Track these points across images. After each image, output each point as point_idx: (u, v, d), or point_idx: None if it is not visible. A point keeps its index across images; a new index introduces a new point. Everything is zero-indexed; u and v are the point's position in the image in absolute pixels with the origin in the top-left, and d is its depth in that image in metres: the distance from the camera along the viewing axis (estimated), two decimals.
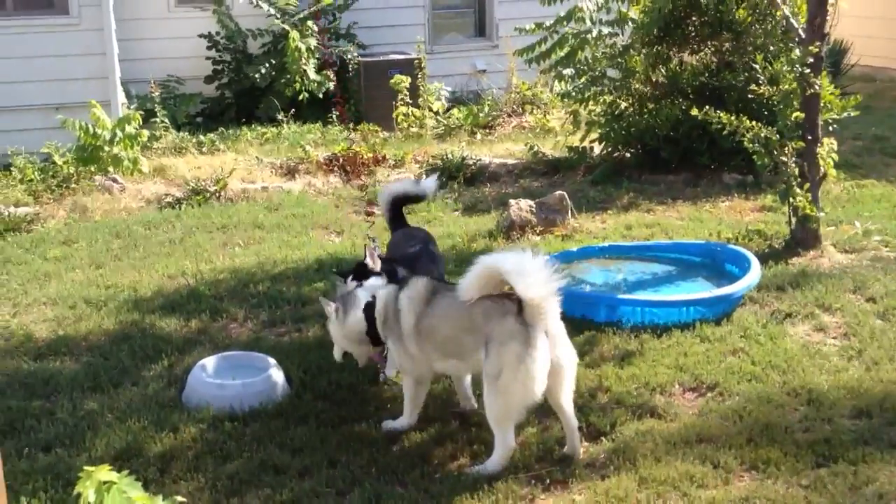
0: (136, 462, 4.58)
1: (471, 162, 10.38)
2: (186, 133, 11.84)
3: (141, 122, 10.46)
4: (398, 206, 6.19)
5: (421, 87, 12.42)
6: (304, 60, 12.48)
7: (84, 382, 5.49)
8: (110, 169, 10.12)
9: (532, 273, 4.30)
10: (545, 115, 12.66)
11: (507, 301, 4.42)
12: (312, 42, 12.67)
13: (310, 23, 12.75)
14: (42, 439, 4.86)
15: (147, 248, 8.11)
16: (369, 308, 4.87)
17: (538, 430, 4.80)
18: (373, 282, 5.18)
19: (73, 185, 9.76)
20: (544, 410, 4.89)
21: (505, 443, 4.43)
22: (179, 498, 2.77)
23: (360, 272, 5.28)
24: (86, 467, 2.50)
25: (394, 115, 12.14)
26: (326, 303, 5.08)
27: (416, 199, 6.43)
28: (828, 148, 7.29)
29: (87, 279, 7.33)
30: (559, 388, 4.47)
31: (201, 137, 11.67)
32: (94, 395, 5.37)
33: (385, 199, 6.27)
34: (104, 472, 2.50)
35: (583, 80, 10.13)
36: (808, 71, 7.07)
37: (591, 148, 10.48)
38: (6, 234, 8.55)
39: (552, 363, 4.36)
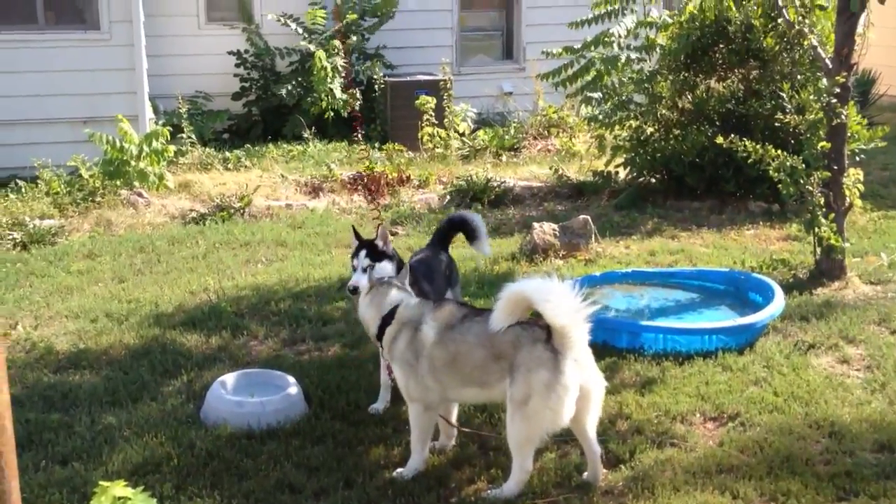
0: (152, 478, 4.58)
1: (495, 184, 10.38)
2: (213, 149, 11.93)
3: (168, 138, 10.54)
4: (448, 233, 6.01)
5: (447, 109, 12.46)
6: (329, 79, 12.56)
7: (103, 396, 5.51)
8: (136, 183, 10.20)
9: (560, 300, 4.26)
10: (571, 139, 12.67)
11: (536, 328, 4.39)
12: (339, 61, 12.75)
13: (335, 42, 12.84)
14: (59, 452, 4.87)
15: (170, 263, 8.15)
16: (389, 316, 4.71)
17: (556, 457, 4.77)
18: (384, 265, 5.17)
19: (99, 199, 9.83)
20: (564, 437, 4.85)
21: (523, 467, 4.40)
22: None
23: (372, 250, 5.22)
24: (101, 482, 2.50)
25: (419, 136, 12.17)
26: (367, 277, 4.94)
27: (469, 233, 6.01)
28: (854, 178, 7.24)
29: (110, 293, 7.37)
30: (585, 414, 4.43)
31: (227, 154, 11.75)
32: (112, 409, 5.38)
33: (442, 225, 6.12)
34: (119, 488, 2.50)
35: (609, 104, 10.14)
36: (834, 101, 7.03)
37: (617, 173, 10.46)
38: (31, 247, 8.62)
39: (580, 389, 4.33)
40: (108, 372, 5.88)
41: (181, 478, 4.62)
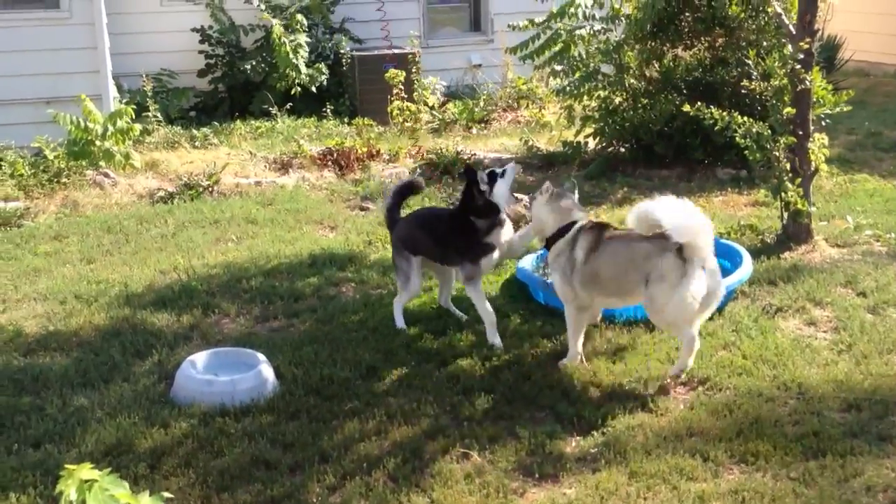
0: (126, 458, 4.57)
1: (466, 156, 10.37)
2: (179, 127, 11.81)
3: (133, 117, 10.42)
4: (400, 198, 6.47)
5: (416, 82, 12.40)
6: (293, 54, 12.44)
7: (74, 378, 5.48)
8: (102, 163, 10.08)
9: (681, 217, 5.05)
10: (540, 110, 12.65)
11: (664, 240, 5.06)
12: (302, 37, 12.64)
13: (299, 16, 12.72)
14: (31, 435, 4.84)
15: (139, 243, 8.09)
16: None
17: (530, 424, 4.80)
18: None
19: (65, 180, 9.70)
20: (536, 404, 4.88)
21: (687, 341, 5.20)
22: (167, 494, 2.75)
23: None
24: (67, 465, 2.47)
25: (388, 110, 12.11)
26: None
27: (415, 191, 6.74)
28: (819, 143, 7.30)
29: (78, 274, 7.31)
30: (703, 313, 5.19)
31: (194, 132, 11.63)
32: (84, 390, 5.35)
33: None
34: (86, 471, 2.47)
35: (577, 75, 10.13)
36: (798, 67, 7.07)
37: (586, 143, 10.48)
38: None
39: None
40: (78, 353, 5.84)
41: (155, 457, 4.61)
